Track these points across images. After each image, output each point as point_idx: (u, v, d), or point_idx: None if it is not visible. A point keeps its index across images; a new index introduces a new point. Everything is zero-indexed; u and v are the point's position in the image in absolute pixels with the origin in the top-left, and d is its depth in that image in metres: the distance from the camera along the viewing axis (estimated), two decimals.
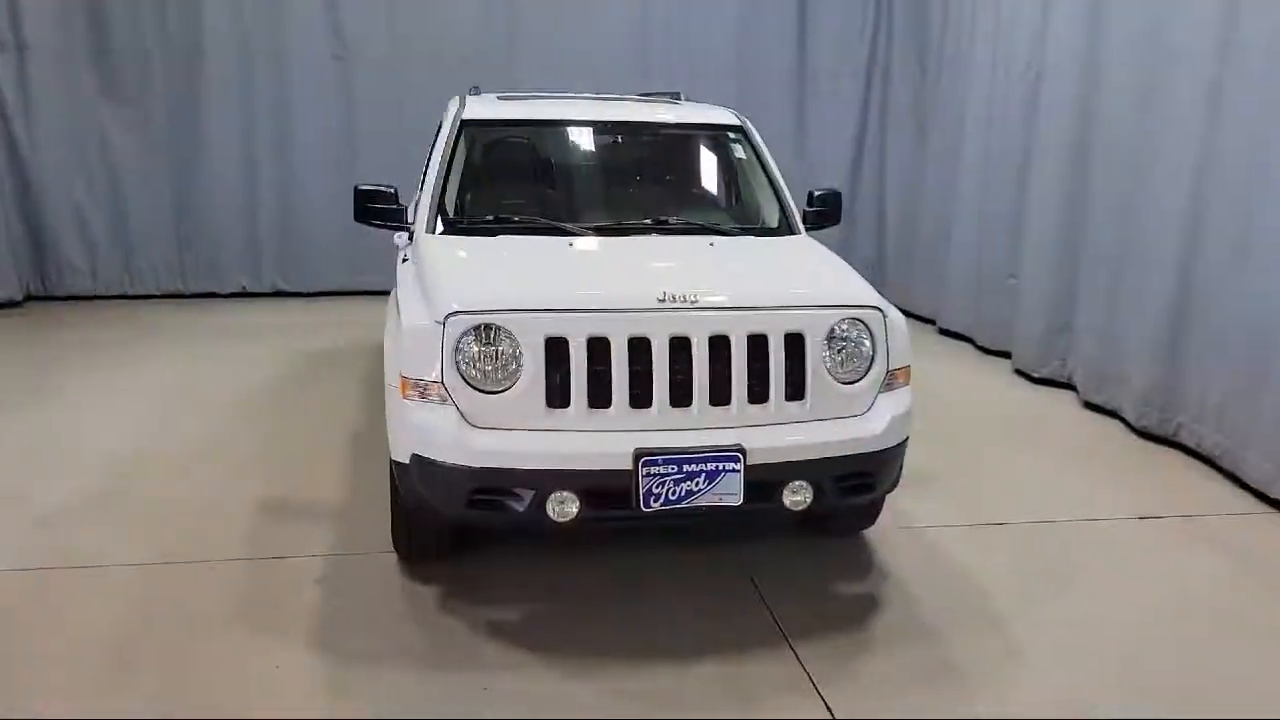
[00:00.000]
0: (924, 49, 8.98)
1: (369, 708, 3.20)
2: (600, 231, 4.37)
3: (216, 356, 7.32)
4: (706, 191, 5.06)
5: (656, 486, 3.37)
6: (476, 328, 3.47)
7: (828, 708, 3.20)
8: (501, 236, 4.33)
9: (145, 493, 4.83)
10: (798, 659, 3.48)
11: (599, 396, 3.46)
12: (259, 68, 9.20)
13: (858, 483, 3.66)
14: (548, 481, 3.38)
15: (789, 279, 4.01)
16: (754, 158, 4.98)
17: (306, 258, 9.59)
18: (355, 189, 4.70)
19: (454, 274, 3.81)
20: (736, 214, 4.81)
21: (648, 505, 3.37)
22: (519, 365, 3.46)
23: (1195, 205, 5.48)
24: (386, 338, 4.03)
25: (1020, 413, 6.55)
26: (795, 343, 3.59)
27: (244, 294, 9.53)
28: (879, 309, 3.76)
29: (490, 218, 4.53)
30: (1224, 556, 4.38)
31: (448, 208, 4.56)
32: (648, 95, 5.93)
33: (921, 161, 8.86)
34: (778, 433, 3.53)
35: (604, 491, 3.42)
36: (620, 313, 3.49)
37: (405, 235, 4.73)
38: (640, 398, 3.48)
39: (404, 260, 4.38)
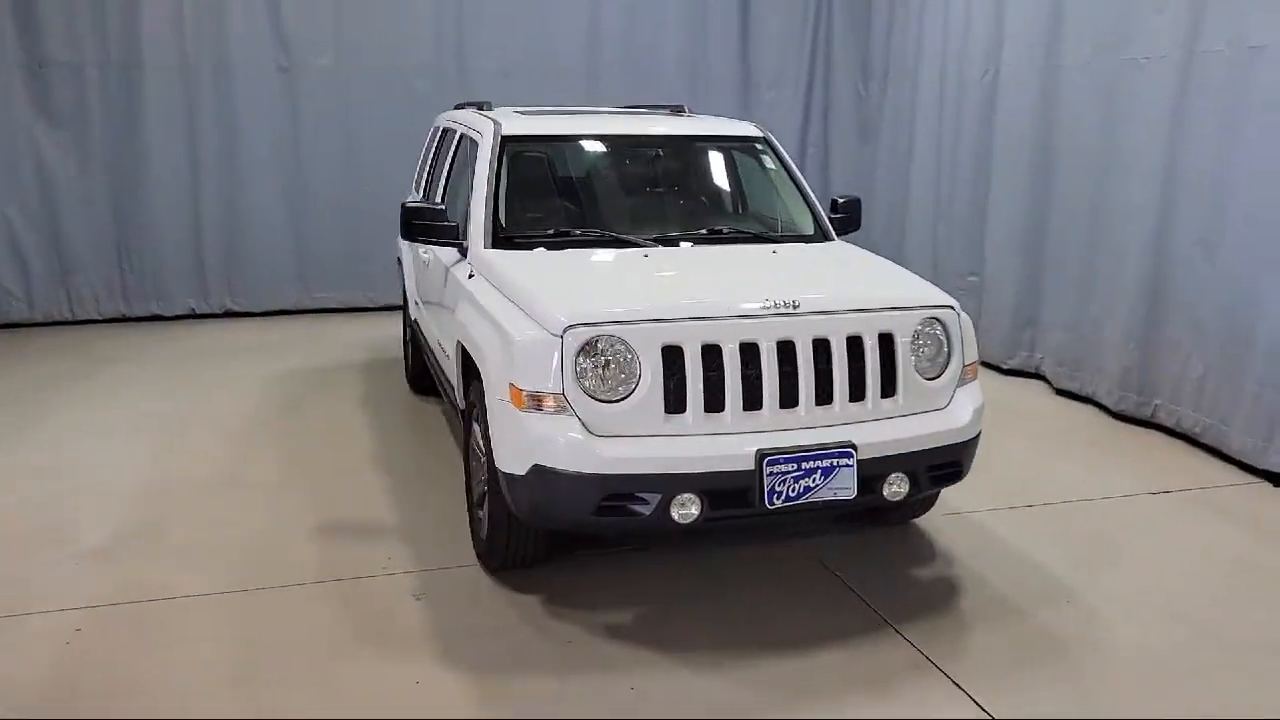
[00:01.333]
0: (866, 57, 9.38)
1: (523, 714, 3.26)
2: (661, 242, 4.51)
3: (198, 381, 7.09)
4: (745, 201, 5.24)
5: (779, 485, 3.54)
6: (595, 339, 3.57)
7: (956, 684, 3.42)
8: (569, 250, 4.42)
9: (190, 521, 4.72)
10: (909, 642, 3.69)
11: (713, 401, 3.61)
12: (201, 80, 8.91)
13: (947, 472, 3.92)
14: (674, 485, 3.51)
15: (867, 282, 4.23)
16: (781, 168, 5.20)
17: (257, 277, 9.32)
18: (403, 206, 4.70)
19: (554, 287, 3.89)
20: (776, 222, 5.00)
21: (771, 503, 3.54)
22: (637, 374, 3.58)
23: (1164, 201, 5.96)
24: (473, 351, 4.05)
25: (998, 402, 6.92)
26: (886, 342, 3.82)
27: (192, 316, 9.20)
28: (954, 308, 4.02)
29: (551, 231, 4.61)
30: (1237, 522, 4.82)
31: (502, 223, 4.62)
32: (652, 107, 6.08)
33: (871, 164, 9.26)
34: (880, 428, 3.74)
35: (725, 492, 3.56)
36: (731, 320, 3.65)
37: (455, 251, 4.75)
38: (751, 401, 3.64)
39: (470, 275, 4.42)
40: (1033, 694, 3.39)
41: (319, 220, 9.37)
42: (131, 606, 3.91)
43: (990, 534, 4.64)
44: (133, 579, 4.13)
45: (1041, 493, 5.11)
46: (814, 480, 3.58)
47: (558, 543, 4.19)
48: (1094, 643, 3.71)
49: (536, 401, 3.59)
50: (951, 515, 4.79)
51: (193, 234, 9.13)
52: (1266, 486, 5.27)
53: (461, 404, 4.59)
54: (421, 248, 5.47)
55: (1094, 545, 4.54)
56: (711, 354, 3.61)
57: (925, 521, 4.72)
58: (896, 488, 3.76)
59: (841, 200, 5.15)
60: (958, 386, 4.00)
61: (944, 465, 3.88)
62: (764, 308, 3.69)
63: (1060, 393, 6.92)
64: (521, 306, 3.85)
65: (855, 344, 3.76)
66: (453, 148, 5.65)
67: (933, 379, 3.94)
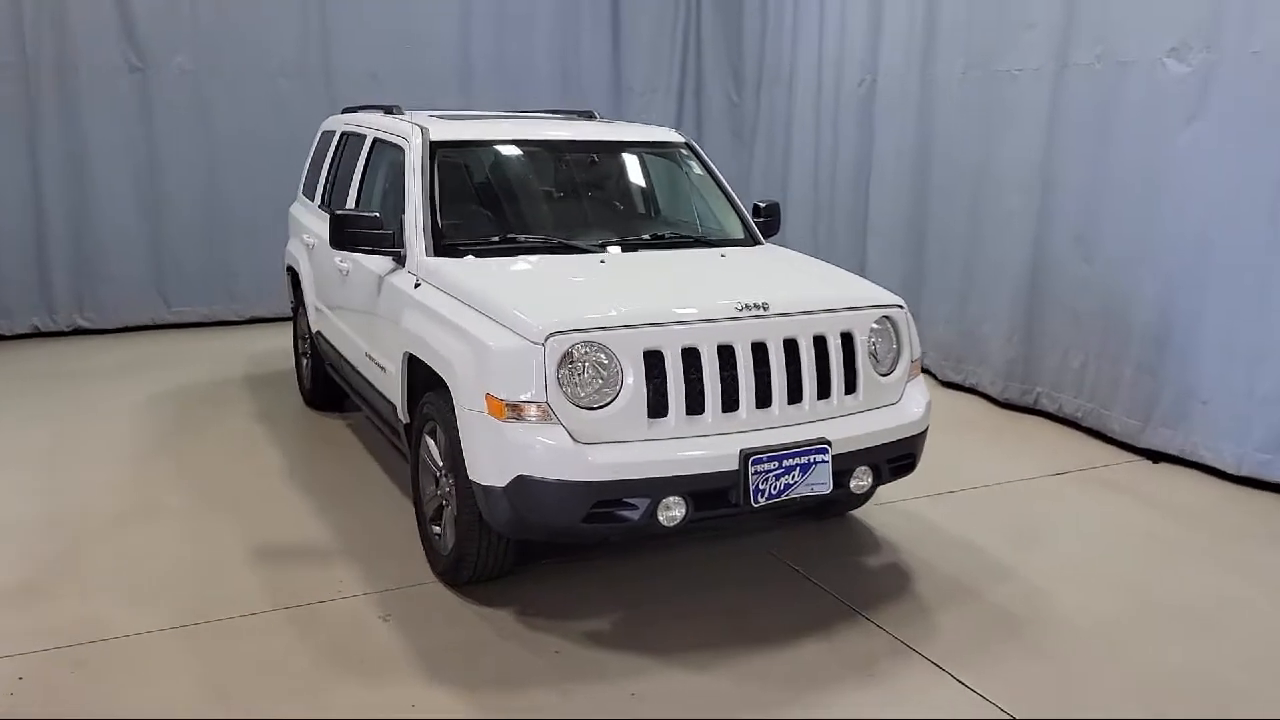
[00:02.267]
0: (738, 65, 9.65)
1: None
2: (606, 247, 4.52)
3: (70, 405, 6.55)
4: (677, 205, 5.30)
5: (762, 483, 3.62)
6: (576, 346, 3.55)
7: (937, 665, 3.59)
8: (520, 256, 4.38)
9: (111, 554, 4.39)
10: (881, 628, 3.84)
11: (693, 404, 3.66)
12: (42, 80, 8.26)
13: (904, 464, 4.10)
14: (661, 488, 3.54)
15: (821, 283, 4.36)
16: (706, 173, 5.29)
17: (110, 291, 8.69)
18: (332, 214, 4.53)
19: (524, 295, 3.85)
20: (710, 227, 5.09)
21: (755, 501, 3.61)
22: (619, 380, 3.59)
23: (1041, 204, 6.41)
24: (433, 361, 3.95)
25: None
26: (847, 341, 3.96)
27: (37, 334, 8.51)
28: (903, 306, 4.21)
29: (495, 238, 4.55)
30: (1131, 497, 5.25)
31: (441, 230, 4.51)
32: (562, 112, 6.07)
33: (747, 169, 9.51)
34: (847, 424, 3.89)
35: (709, 492, 3.62)
36: (709, 323, 3.71)
37: (389, 260, 4.61)
38: (729, 402, 3.71)
39: (417, 285, 4.29)
40: (1009, 667, 3.59)
41: (177, 229, 8.85)
42: (73, 649, 3.60)
43: (923, 520, 4.87)
44: (65, 620, 3.81)
45: (956, 479, 5.40)
46: (793, 477, 3.68)
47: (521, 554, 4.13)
48: (1048, 615, 3.97)
49: (517, 411, 3.54)
50: (881, 505, 5.00)
51: (36, 246, 8.46)
52: (1146, 464, 5.75)
53: (405, 418, 4.46)
54: (337, 256, 5.26)
55: (1018, 525, 4.84)
56: (690, 357, 3.66)
57: (859, 512, 4.91)
58: (861, 480, 3.91)
59: (764, 205, 5.28)
60: (907, 382, 4.19)
61: (901, 457, 4.06)
62: (739, 310, 3.76)
63: (946, 384, 7.32)
64: (490, 315, 3.78)
65: (820, 343, 3.89)
66: (363, 153, 5.46)
67: (885, 375, 4.11)
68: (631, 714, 3.30)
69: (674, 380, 3.63)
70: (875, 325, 4.08)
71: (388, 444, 5.71)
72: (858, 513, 4.91)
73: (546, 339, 3.53)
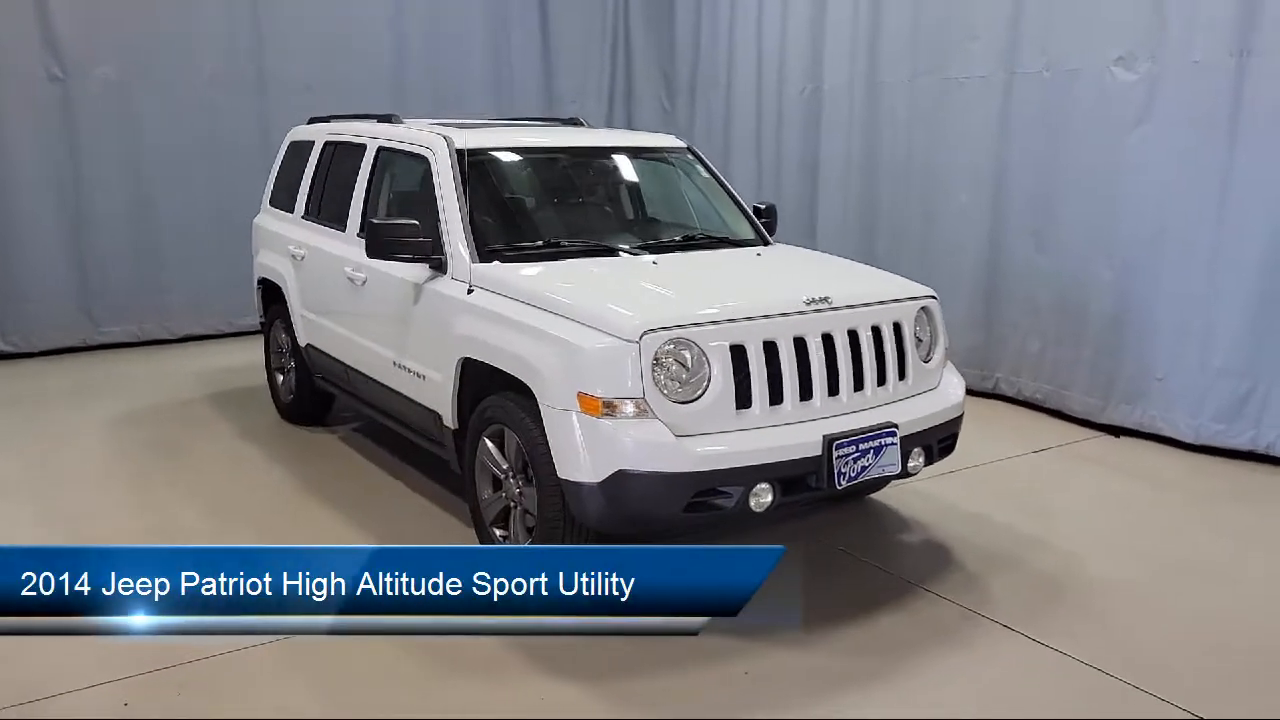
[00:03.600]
0: (669, 72, 9.87)
1: (654, 710, 3.36)
2: (645, 250, 4.68)
3: (25, 434, 6.21)
4: (692, 208, 5.46)
5: (844, 466, 3.84)
6: (670, 342, 3.69)
7: (1009, 628, 3.88)
8: (570, 260, 4.48)
9: None
10: (943, 598, 4.12)
11: (774, 395, 3.85)
12: None
13: (948, 444, 4.39)
14: (754, 475, 3.71)
15: (866, 278, 4.62)
16: (711, 176, 5.49)
17: (32, 312, 8.21)
18: (370, 223, 4.52)
19: (604, 296, 3.96)
20: (727, 228, 5.27)
21: (839, 484, 3.83)
22: (707, 374, 3.75)
23: (995, 202, 6.86)
24: (507, 364, 4.01)
25: None
26: (897, 331, 4.23)
27: None
28: (935, 298, 4.50)
29: (540, 243, 4.63)
30: (1110, 469, 5.74)
31: (484, 237, 4.56)
32: (547, 119, 6.17)
33: None
34: (905, 408, 4.15)
35: (794, 478, 3.81)
36: (784, 318, 3.91)
37: (424, 268, 4.62)
38: (804, 391, 3.91)
39: (470, 291, 4.33)
40: (1069, 624, 3.92)
41: (105, 245, 8.46)
42: (169, 672, 3.51)
43: (937, 499, 5.18)
44: (148, 644, 3.68)
45: (952, 461, 5.71)
46: (868, 460, 3.91)
47: None
48: (1081, 577, 4.33)
49: (612, 408, 3.66)
50: (894, 488, 5.27)
51: None
52: (1109, 438, 6.25)
53: (453, 424, 4.49)
54: (348, 265, 5.22)
55: (1024, 499, 5.21)
56: (768, 350, 3.85)
57: (877, 496, 5.18)
58: (916, 461, 4.18)
59: (763, 207, 5.51)
60: (942, 368, 4.49)
61: (948, 438, 4.35)
62: (807, 304, 3.97)
63: None
64: (569, 317, 3.88)
65: (876, 333, 4.14)
66: (366, 163, 5.40)
67: (926, 362, 4.39)
68: (747, 691, 3.46)
69: (757, 372, 3.81)
70: (919, 315, 4.36)
71: (392, 453, 5.70)
72: (875, 496, 5.18)
73: (642, 337, 3.66)
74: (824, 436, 3.80)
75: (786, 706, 3.38)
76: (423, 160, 4.90)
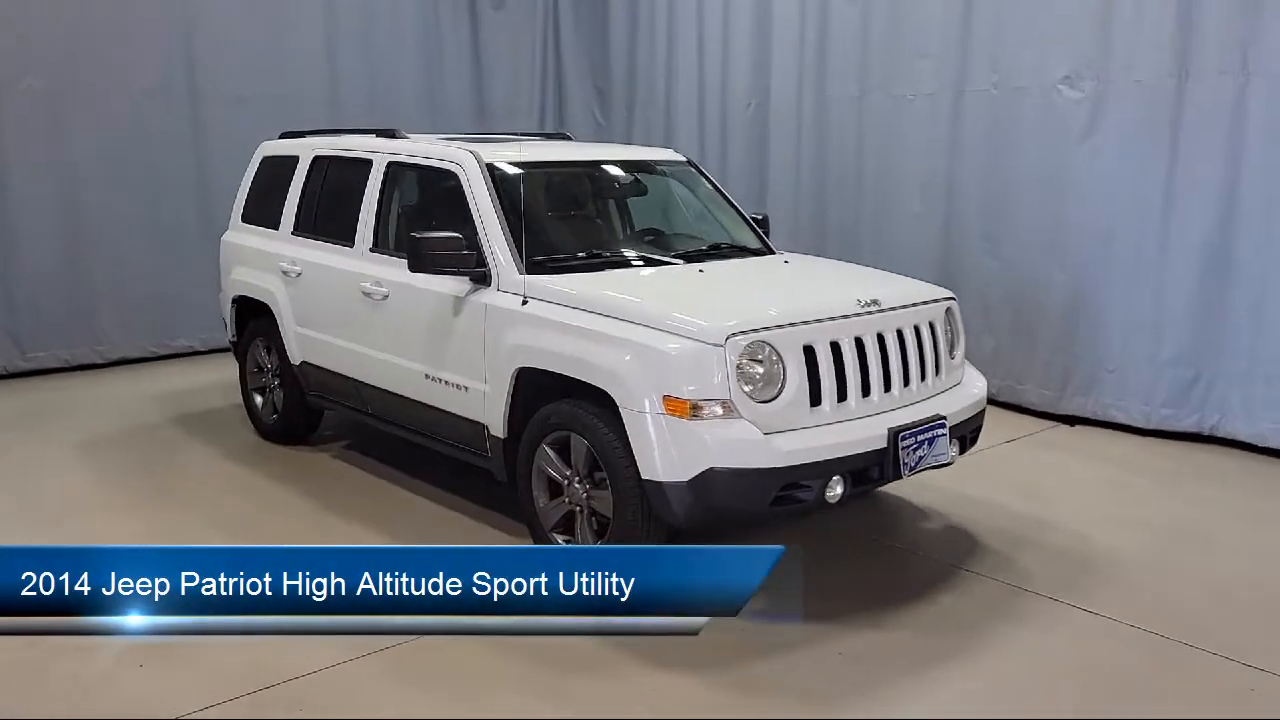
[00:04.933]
0: (603, 88, 10.04)
1: (783, 691, 3.56)
2: (684, 258, 4.88)
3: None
4: (705, 220, 5.64)
5: (907, 457, 4.11)
6: (752, 345, 3.88)
7: (1054, 599, 4.21)
8: (611, 270, 4.62)
9: None
10: (986, 576, 4.43)
11: (840, 391, 4.08)
12: None
13: (976, 434, 4.72)
14: (831, 468, 3.94)
15: (895, 282, 4.91)
16: (713, 189, 5.71)
17: None
18: (412, 237, 4.55)
19: (678, 303, 4.12)
20: (740, 237, 5.48)
21: (903, 474, 4.10)
22: (782, 374, 3.95)
23: (946, 209, 7.32)
24: (583, 372, 4.11)
25: None
26: (930, 330, 4.53)
27: None
28: (955, 298, 4.83)
29: (582, 255, 4.74)
30: (1070, 453, 6.25)
31: (525, 249, 4.65)
32: (535, 134, 6.26)
33: None
34: (945, 401, 4.45)
35: (862, 469, 4.06)
36: (845, 319, 4.15)
37: (465, 281, 4.66)
38: (865, 388, 4.17)
39: (525, 302, 4.41)
40: (1105, 593, 4.27)
41: (30, 264, 8.01)
42: (276, 690, 3.49)
43: (941, 489, 5.48)
44: (241, 664, 3.60)
45: None
46: (924, 450, 4.19)
47: None
48: (1099, 553, 4.71)
49: (699, 410, 3.82)
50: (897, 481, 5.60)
51: None
52: (1065, 427, 6.75)
53: (502, 433, 4.55)
54: (366, 281, 5.19)
55: (1016, 484, 5.61)
56: (833, 350, 4.09)
57: (886, 489, 5.47)
58: (954, 450, 4.49)
59: (760, 217, 5.76)
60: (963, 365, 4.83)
61: (977, 429, 4.68)
62: (861, 307, 4.23)
63: None
64: (643, 323, 4.02)
65: (916, 332, 4.43)
66: (375, 178, 5.36)
67: (952, 359, 4.72)
68: (843, 670, 3.67)
69: (826, 371, 4.04)
70: (945, 315, 4.68)
71: (396, 467, 5.67)
72: (884, 489, 5.46)
73: (727, 340, 3.83)
74: (889, 429, 4.05)
75: (893, 684, 3.60)
76: (449, 175, 4.94)
